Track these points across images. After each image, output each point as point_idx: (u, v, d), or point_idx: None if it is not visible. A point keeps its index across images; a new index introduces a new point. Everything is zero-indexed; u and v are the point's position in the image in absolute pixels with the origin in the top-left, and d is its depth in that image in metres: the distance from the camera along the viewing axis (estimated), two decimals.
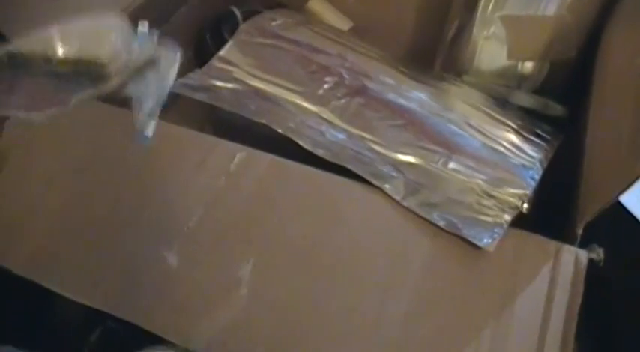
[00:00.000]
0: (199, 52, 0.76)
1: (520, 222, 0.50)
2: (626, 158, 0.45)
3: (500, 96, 0.64)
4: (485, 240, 0.45)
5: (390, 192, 0.48)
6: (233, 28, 0.69)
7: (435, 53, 0.72)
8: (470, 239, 0.46)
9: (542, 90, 0.66)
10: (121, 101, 0.60)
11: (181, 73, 0.62)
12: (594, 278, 0.46)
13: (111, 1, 0.61)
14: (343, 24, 0.78)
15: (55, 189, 0.50)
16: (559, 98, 0.65)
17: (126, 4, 0.62)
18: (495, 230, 0.47)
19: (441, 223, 0.47)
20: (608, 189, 0.45)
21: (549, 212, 0.53)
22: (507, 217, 0.48)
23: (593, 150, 0.52)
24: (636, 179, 0.42)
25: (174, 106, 0.75)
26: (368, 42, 0.69)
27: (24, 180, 0.50)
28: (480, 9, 0.64)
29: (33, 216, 0.48)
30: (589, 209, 0.46)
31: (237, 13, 0.75)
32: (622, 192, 0.43)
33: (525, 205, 0.52)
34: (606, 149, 0.50)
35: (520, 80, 0.65)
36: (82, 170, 0.50)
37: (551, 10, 0.62)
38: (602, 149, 0.51)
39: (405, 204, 0.48)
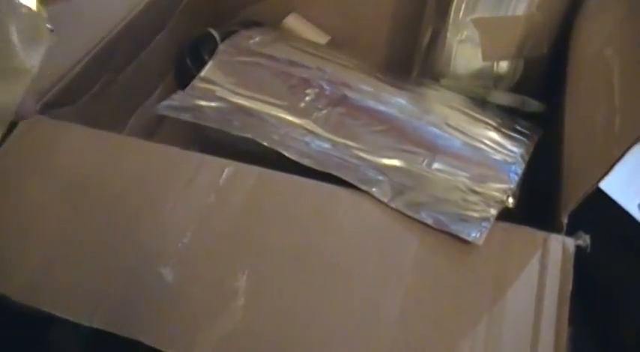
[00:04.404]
0: (180, 75, 0.77)
1: (507, 216, 0.51)
2: (602, 145, 0.47)
3: (478, 96, 0.65)
4: (473, 234, 0.46)
5: (377, 195, 0.49)
6: (212, 49, 0.70)
7: (412, 60, 0.74)
8: (458, 234, 0.46)
9: (518, 87, 0.67)
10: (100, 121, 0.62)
11: (164, 96, 0.63)
12: (583, 264, 0.47)
13: (92, 27, 0.63)
14: (320, 38, 0.80)
15: (48, 214, 0.50)
16: (536, 94, 0.67)
17: (105, 32, 0.64)
18: (483, 224, 0.48)
19: (429, 221, 0.47)
20: (588, 177, 0.46)
21: (535, 205, 0.54)
22: (493, 211, 0.49)
23: (571, 141, 0.54)
24: (613, 165, 0.43)
25: (159, 128, 0.76)
26: (346, 53, 0.70)
27: (16, 207, 0.51)
28: (452, 14, 0.66)
29: (28, 243, 0.49)
30: (572, 198, 0.48)
31: (216, 34, 0.76)
32: (601, 178, 0.45)
33: (511, 200, 0.53)
34: (583, 138, 0.52)
35: (496, 80, 0.67)
36: (73, 194, 0.51)
37: (521, 9, 0.64)
38: (579, 139, 0.53)
39: (392, 205, 0.49)
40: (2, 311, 0.52)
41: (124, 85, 0.70)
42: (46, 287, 0.46)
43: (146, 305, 0.45)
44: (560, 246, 0.46)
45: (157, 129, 0.77)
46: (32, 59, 0.33)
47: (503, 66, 0.66)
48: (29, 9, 0.33)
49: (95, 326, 0.44)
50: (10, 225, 0.50)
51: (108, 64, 0.66)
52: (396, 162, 0.54)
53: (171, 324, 0.44)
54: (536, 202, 0.55)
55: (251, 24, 0.77)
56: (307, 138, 0.57)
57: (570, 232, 0.47)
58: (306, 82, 0.62)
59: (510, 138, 0.58)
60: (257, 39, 0.69)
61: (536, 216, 0.51)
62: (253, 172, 0.51)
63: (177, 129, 0.71)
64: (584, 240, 0.46)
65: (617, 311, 0.55)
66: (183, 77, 0.75)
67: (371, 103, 0.60)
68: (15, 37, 0.32)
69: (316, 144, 0.56)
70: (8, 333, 0.57)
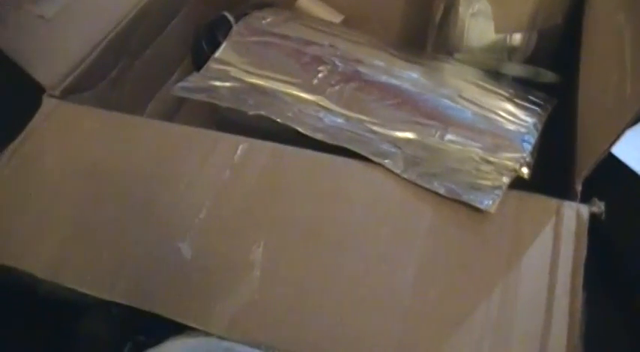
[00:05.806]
0: (197, 58, 0.78)
1: (523, 186, 0.51)
2: (614, 111, 0.47)
3: (492, 69, 0.65)
4: (485, 202, 0.47)
5: (390, 167, 0.50)
6: (227, 32, 0.71)
7: (425, 37, 0.74)
8: (470, 202, 0.47)
9: (533, 59, 0.67)
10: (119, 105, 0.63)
11: (182, 78, 0.64)
12: (598, 230, 0.47)
13: (107, 13, 0.64)
14: (334, 17, 0.80)
15: (67, 193, 0.51)
16: (551, 65, 0.66)
17: (120, 18, 0.65)
18: (495, 192, 0.48)
19: (442, 190, 0.48)
20: (600, 144, 0.46)
21: (552, 175, 0.54)
22: (506, 179, 0.49)
23: (584, 109, 0.54)
24: (624, 129, 0.43)
25: (178, 112, 0.77)
26: (359, 31, 0.70)
27: (39, 188, 0.52)
28: None
29: (50, 222, 0.50)
30: (585, 165, 0.47)
31: (230, 17, 0.76)
32: (612, 144, 0.45)
33: (525, 169, 0.53)
34: (596, 105, 0.52)
35: (510, 52, 0.66)
36: (91, 174, 0.52)
37: None
38: (592, 106, 0.52)
39: (405, 176, 0.49)
40: (32, 301, 0.53)
41: (141, 70, 0.71)
42: (68, 264, 0.48)
43: (164, 278, 0.46)
44: (574, 213, 0.46)
45: (175, 114, 0.78)
46: None
47: (517, 38, 0.66)
48: None
49: (115, 300, 0.45)
50: (32, 205, 0.51)
51: (124, 50, 0.67)
52: (408, 135, 0.54)
53: (190, 298, 0.45)
54: (552, 173, 0.55)
55: (264, 6, 0.78)
56: (321, 114, 0.57)
57: (585, 200, 0.47)
58: (319, 59, 0.63)
59: (524, 108, 0.58)
60: (269, 19, 0.69)
61: (552, 186, 0.51)
62: (267, 148, 0.52)
63: (195, 113, 0.72)
64: (599, 206, 0.46)
65: (631, 275, 0.55)
66: (200, 60, 0.76)
67: (383, 78, 0.61)
68: None
69: (330, 119, 0.57)
70: (39, 324, 0.59)
